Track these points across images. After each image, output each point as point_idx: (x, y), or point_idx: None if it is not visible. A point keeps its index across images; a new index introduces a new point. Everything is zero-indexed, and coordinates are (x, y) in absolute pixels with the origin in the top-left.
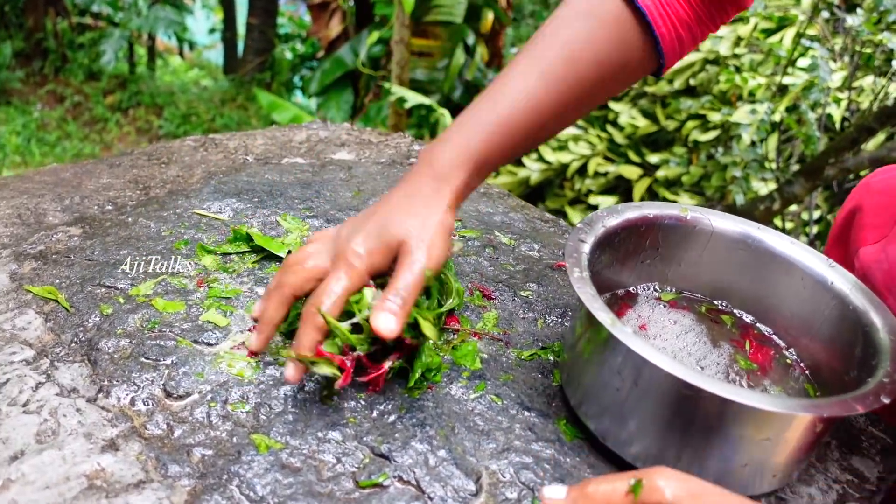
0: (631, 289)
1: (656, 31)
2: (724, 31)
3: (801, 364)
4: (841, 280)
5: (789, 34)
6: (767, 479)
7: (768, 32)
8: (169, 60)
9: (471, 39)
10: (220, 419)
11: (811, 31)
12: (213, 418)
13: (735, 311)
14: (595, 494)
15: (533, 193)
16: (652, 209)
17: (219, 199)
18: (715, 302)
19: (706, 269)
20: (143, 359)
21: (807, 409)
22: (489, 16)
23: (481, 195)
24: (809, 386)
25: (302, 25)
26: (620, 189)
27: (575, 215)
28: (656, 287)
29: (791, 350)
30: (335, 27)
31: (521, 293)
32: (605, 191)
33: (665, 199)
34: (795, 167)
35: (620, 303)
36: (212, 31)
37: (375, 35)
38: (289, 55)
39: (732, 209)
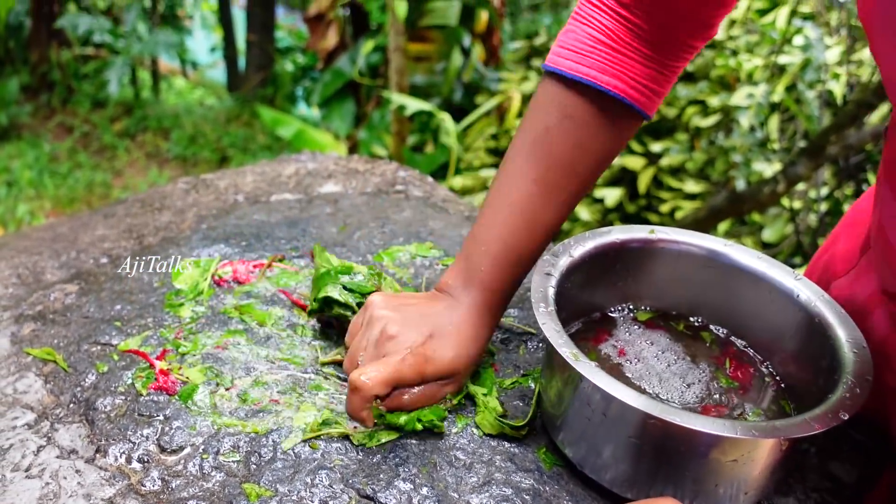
0: (608, 311)
1: (638, 107)
2: None
3: (777, 378)
4: (807, 292)
5: (783, 13)
6: (741, 497)
7: (763, 12)
8: (173, 82)
9: (466, 41)
10: (212, 470)
11: (805, 8)
12: (206, 469)
13: (711, 326)
14: None
15: None
16: (618, 234)
17: (208, 245)
18: (691, 318)
19: (678, 286)
20: (137, 415)
21: (765, 432)
22: (483, 16)
23: (465, 219)
24: (785, 402)
25: (301, 37)
26: (626, 180)
27: (581, 210)
28: (631, 307)
29: (767, 364)
30: (332, 38)
31: (503, 320)
32: (611, 183)
33: (670, 188)
34: (802, 144)
35: (597, 328)
36: (212, 49)
37: (371, 44)
38: (290, 67)
39: (736, 194)
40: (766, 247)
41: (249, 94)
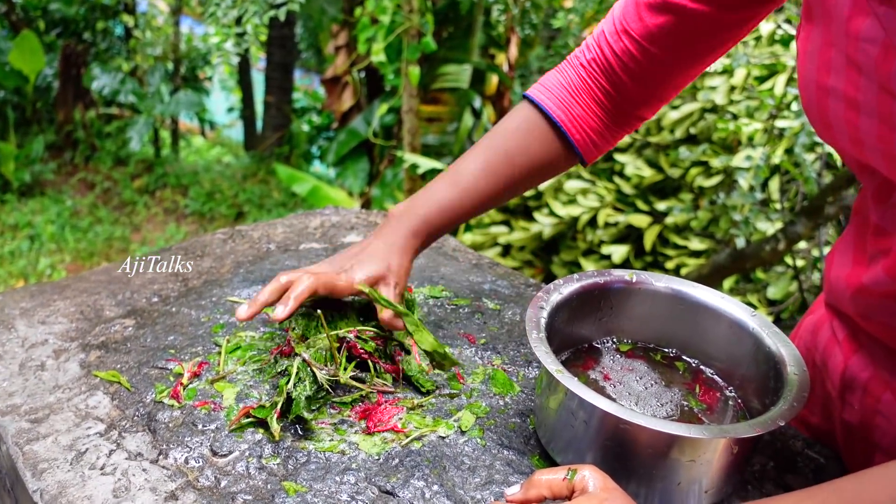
0: (594, 343)
1: (571, 138)
2: (717, 80)
3: (739, 400)
4: (758, 324)
5: (781, 80)
6: (700, 494)
7: (761, 79)
8: (191, 141)
9: (477, 102)
10: (256, 471)
11: None
12: (252, 470)
13: (684, 356)
14: (540, 481)
15: (547, 247)
16: (602, 276)
17: (247, 286)
18: (665, 350)
19: (653, 322)
20: (192, 425)
21: (714, 433)
22: (493, 79)
23: (473, 266)
24: (744, 420)
25: (317, 98)
26: (632, 237)
27: (589, 266)
28: (614, 339)
29: (730, 389)
30: (347, 100)
31: (504, 352)
32: (617, 240)
33: (676, 245)
34: (805, 203)
35: (586, 357)
36: (230, 109)
37: (385, 106)
38: (305, 127)
39: (738, 251)
40: (771, 304)
41: (266, 152)
